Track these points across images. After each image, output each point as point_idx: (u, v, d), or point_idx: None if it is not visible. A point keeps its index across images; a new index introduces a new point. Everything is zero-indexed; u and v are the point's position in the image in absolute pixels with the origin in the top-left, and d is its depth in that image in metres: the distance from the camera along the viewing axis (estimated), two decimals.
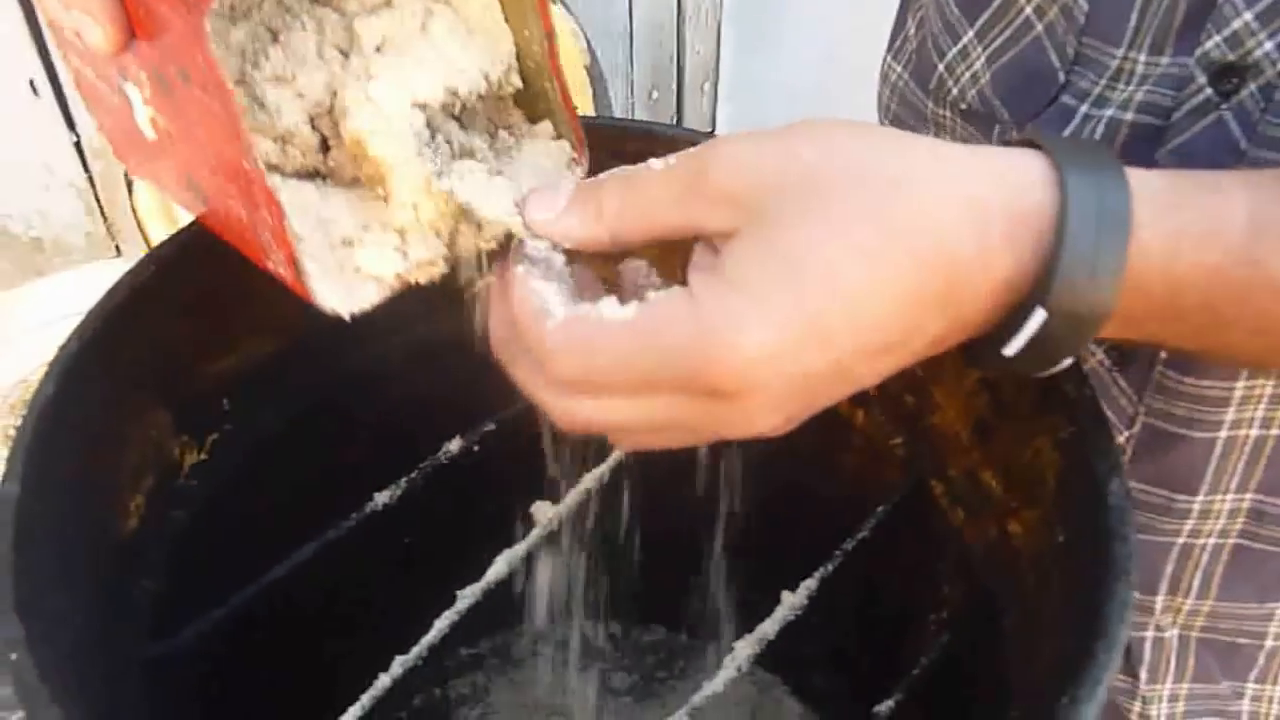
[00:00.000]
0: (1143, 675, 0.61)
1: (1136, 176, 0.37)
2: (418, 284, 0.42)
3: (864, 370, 0.37)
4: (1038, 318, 0.36)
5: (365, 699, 0.48)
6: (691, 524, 0.60)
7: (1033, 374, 0.39)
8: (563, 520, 0.59)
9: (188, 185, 0.43)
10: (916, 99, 0.65)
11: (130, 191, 1.10)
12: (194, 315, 0.52)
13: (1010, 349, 0.37)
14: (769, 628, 0.49)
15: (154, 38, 0.38)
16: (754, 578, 0.57)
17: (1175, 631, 0.59)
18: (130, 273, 0.48)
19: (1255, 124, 0.46)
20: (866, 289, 0.35)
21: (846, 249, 0.35)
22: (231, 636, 0.51)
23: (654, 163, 0.38)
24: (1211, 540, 0.55)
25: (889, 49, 0.69)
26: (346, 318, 0.40)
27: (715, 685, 0.48)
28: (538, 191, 0.41)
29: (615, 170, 0.39)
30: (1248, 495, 0.54)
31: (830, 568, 0.54)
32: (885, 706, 0.49)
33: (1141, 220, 0.36)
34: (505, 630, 0.81)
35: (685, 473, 0.56)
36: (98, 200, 1.09)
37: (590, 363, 0.36)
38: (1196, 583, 0.57)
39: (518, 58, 0.44)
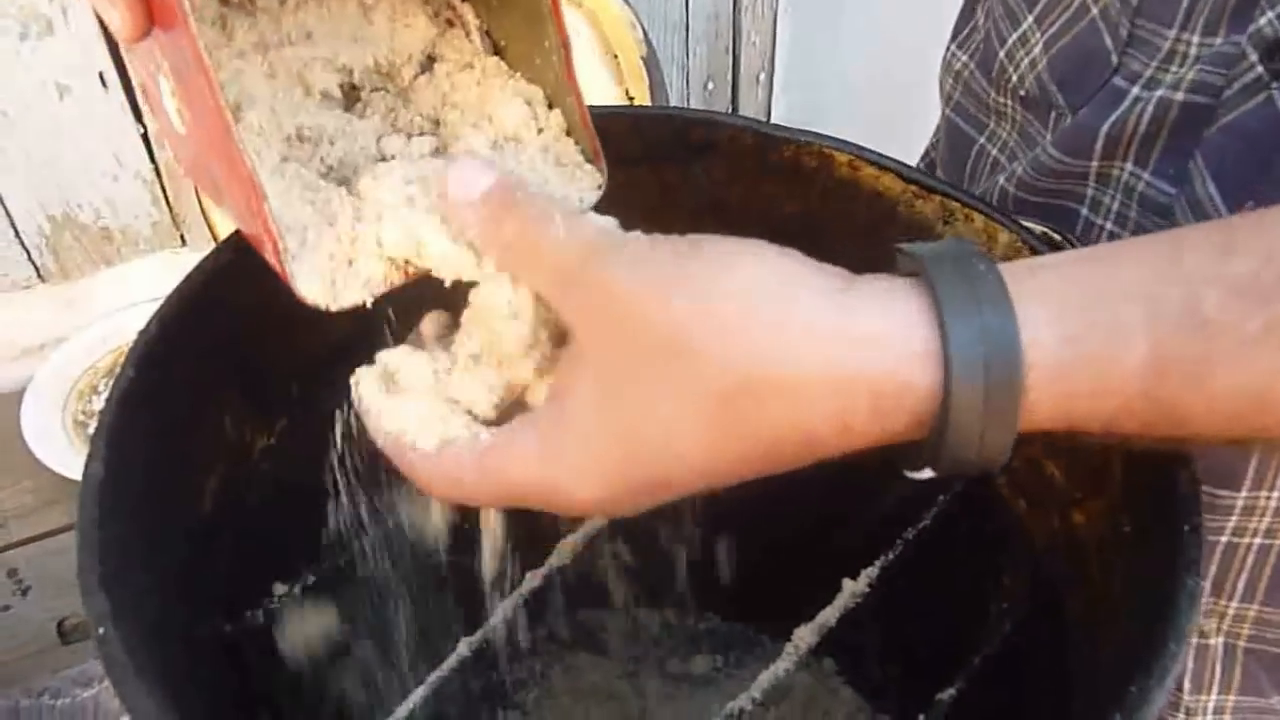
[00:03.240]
0: (1186, 684, 0.60)
1: (1033, 325, 0.34)
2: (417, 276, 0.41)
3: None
4: (925, 473, 0.36)
5: (433, 678, 0.48)
6: (749, 513, 0.61)
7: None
8: None
9: (210, 178, 0.43)
10: (980, 88, 0.65)
11: None
12: (265, 302, 0.53)
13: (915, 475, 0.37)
14: (830, 614, 0.49)
15: (165, 25, 0.38)
16: (813, 568, 0.57)
17: (1220, 640, 0.58)
18: (205, 260, 0.50)
19: None
20: (706, 464, 0.36)
21: (694, 424, 0.35)
22: (302, 616, 0.52)
23: (561, 224, 0.37)
24: (1257, 540, 0.54)
25: (954, 39, 0.69)
26: (332, 309, 0.40)
27: (777, 670, 0.48)
28: (466, 166, 0.39)
29: (532, 205, 0.38)
30: None
31: (890, 556, 0.55)
32: (947, 694, 0.49)
33: (1033, 383, 0.34)
34: (563, 617, 0.82)
35: None
36: (164, 191, 1.11)
37: (457, 489, 0.40)
38: (1241, 585, 0.56)
39: (541, 77, 0.45)
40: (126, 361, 0.45)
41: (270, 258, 0.40)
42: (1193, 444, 0.36)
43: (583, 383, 0.37)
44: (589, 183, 0.45)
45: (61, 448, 1.01)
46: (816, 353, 0.34)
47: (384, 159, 0.45)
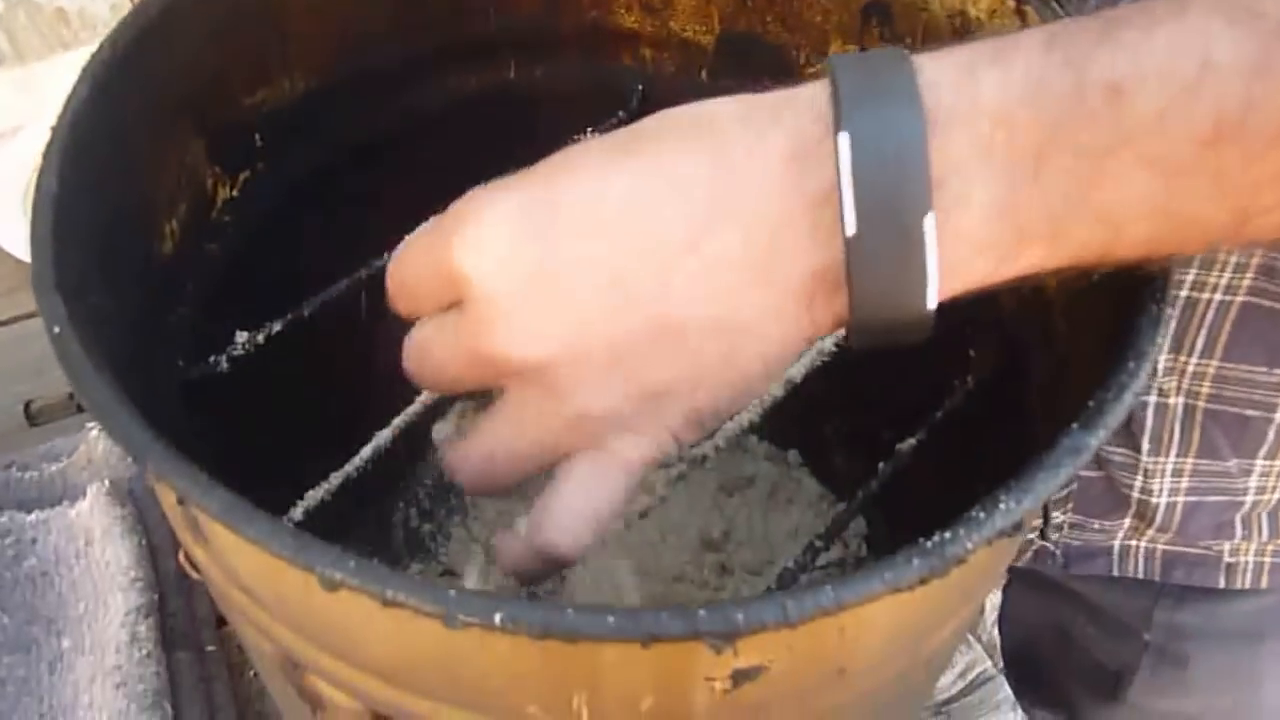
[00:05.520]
0: (1144, 445, 0.60)
1: (928, 67, 0.32)
2: None
3: (658, 278, 0.34)
4: (844, 152, 0.31)
5: (399, 420, 0.49)
6: None
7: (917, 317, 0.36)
8: None
9: None
10: None
11: None
12: (225, 41, 0.51)
13: (849, 219, 0.32)
14: (795, 370, 0.49)
15: None
16: None
17: (1180, 399, 0.58)
18: None
19: None
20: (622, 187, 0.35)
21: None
22: (265, 365, 0.52)
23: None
24: (1218, 296, 0.54)
25: None
26: None
27: (741, 422, 0.48)
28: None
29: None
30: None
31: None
32: (906, 445, 0.50)
33: (920, 61, 0.32)
34: None
35: None
36: None
37: None
38: (1201, 341, 0.55)
39: None
40: (79, 80, 0.43)
41: None
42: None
43: None
44: None
45: (23, 234, 0.98)
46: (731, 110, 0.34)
47: None
